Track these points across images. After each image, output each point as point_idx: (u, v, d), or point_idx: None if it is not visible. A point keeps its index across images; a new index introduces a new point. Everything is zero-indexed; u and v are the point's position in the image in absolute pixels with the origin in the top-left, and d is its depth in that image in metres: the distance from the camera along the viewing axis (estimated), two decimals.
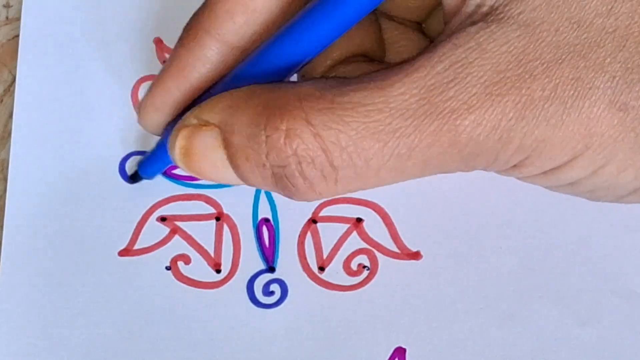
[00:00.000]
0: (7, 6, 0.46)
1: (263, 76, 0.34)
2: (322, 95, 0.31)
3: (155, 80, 0.37)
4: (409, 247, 0.42)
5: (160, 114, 0.38)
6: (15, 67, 0.44)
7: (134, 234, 0.42)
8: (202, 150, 0.34)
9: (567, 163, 0.32)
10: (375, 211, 0.42)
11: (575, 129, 0.31)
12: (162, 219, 0.42)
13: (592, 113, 0.31)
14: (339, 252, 0.42)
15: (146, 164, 0.41)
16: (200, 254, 0.42)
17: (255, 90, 0.33)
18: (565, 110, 0.31)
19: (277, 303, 0.41)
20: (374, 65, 0.37)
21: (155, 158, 0.40)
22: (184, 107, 0.37)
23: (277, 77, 0.34)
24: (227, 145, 0.33)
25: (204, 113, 0.33)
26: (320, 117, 0.31)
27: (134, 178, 0.42)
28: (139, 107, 0.39)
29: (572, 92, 0.31)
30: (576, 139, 0.31)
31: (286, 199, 0.42)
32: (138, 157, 0.43)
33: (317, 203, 0.42)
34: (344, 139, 0.31)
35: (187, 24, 0.36)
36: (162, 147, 0.39)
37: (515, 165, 0.33)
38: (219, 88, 0.35)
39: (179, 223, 0.42)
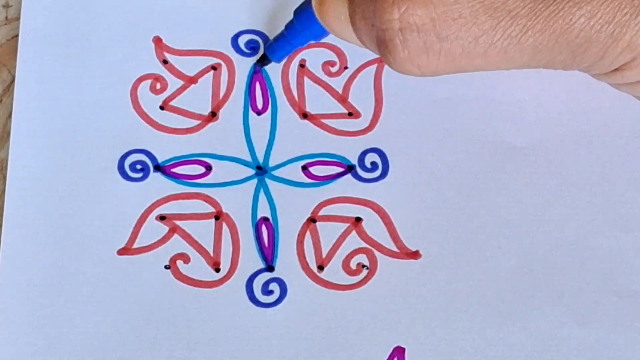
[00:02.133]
0: (6, 6, 0.46)
1: None
2: None
3: None
4: (408, 246, 0.42)
5: None
6: (15, 67, 0.44)
7: (133, 232, 0.42)
8: (331, 2, 0.34)
9: None
10: (374, 210, 0.42)
11: None
12: (161, 218, 0.42)
13: None
14: (338, 252, 0.42)
15: (275, 46, 0.43)
16: (200, 253, 0.42)
17: None
18: None
19: (276, 302, 0.41)
20: None
21: (284, 40, 0.42)
22: None
23: None
24: (350, 0, 0.33)
25: None
26: None
27: (262, 61, 0.44)
28: None
29: None
30: None
31: (284, 198, 0.42)
32: (138, 155, 0.43)
33: (316, 202, 0.42)
34: (457, 10, 0.30)
35: None
36: (291, 29, 0.41)
37: (617, 69, 0.33)
38: None
39: (178, 222, 0.42)
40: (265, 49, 0.43)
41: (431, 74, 0.33)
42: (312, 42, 0.41)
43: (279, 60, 0.43)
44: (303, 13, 0.39)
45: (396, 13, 0.31)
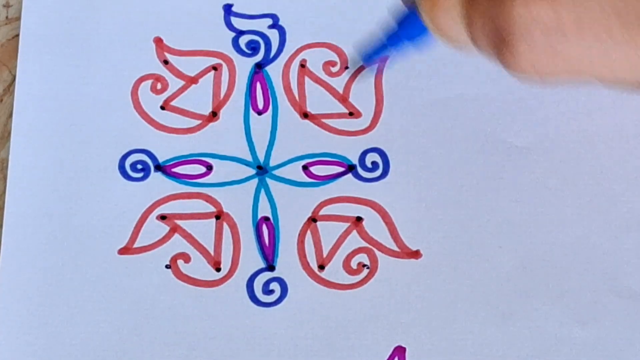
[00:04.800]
0: (7, 6, 0.46)
1: None
2: None
3: None
4: (409, 246, 0.42)
5: None
6: (15, 66, 0.44)
7: (133, 232, 0.42)
8: (443, 2, 0.34)
9: None
10: (375, 210, 0.42)
11: None
12: (162, 218, 0.42)
13: None
14: (339, 251, 0.42)
15: (367, 48, 0.40)
16: (200, 253, 0.42)
17: None
18: None
19: (276, 302, 0.41)
20: None
21: (376, 42, 0.40)
22: None
23: None
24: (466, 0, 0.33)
25: None
26: None
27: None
28: None
29: None
30: None
31: (285, 197, 0.42)
32: (139, 155, 0.43)
33: (316, 202, 0.42)
34: (585, 12, 0.30)
35: None
36: (391, 32, 0.39)
37: None
38: None
39: (178, 221, 0.42)
40: (360, 53, 0.41)
41: (544, 74, 0.32)
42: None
43: (368, 63, 0.41)
44: (406, 15, 0.38)
45: (522, 8, 0.30)
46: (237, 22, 0.45)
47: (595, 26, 0.30)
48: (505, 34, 0.31)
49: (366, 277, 0.41)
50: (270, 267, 0.41)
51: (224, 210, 0.42)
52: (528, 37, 0.31)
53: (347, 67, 0.44)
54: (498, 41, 0.32)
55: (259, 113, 0.44)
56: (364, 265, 0.41)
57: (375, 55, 0.40)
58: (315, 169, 0.43)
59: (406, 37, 0.38)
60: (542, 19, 0.30)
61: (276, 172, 0.43)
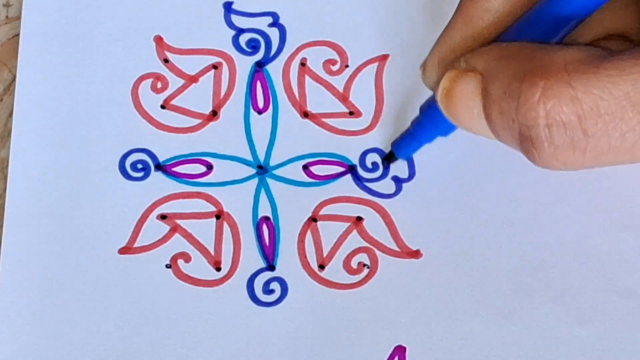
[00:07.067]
0: (7, 5, 0.46)
1: (541, 28, 0.34)
2: (588, 59, 0.30)
3: (442, 34, 0.37)
4: (409, 245, 0.42)
5: (443, 68, 0.37)
6: (16, 66, 0.44)
7: (134, 232, 0.42)
8: (461, 95, 0.34)
9: None
10: (375, 210, 0.42)
11: None
12: (162, 217, 0.42)
13: None
14: (339, 251, 0.42)
15: (401, 143, 0.41)
16: (201, 252, 0.42)
17: (524, 45, 0.32)
18: None
19: (277, 301, 0.41)
20: (633, 45, 0.36)
21: (410, 137, 0.41)
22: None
23: (557, 29, 0.34)
24: (485, 94, 0.32)
25: (473, 59, 0.33)
26: (583, 81, 0.30)
27: (388, 159, 0.42)
28: (423, 64, 0.38)
29: None
30: None
31: (285, 197, 0.42)
32: (139, 154, 0.43)
33: (316, 201, 0.42)
34: (604, 106, 0.30)
35: None
36: (417, 125, 0.40)
37: None
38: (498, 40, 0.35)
39: (179, 221, 0.42)
40: (392, 146, 0.42)
41: (575, 168, 0.32)
42: (439, 137, 0.40)
43: (406, 158, 0.42)
44: (429, 109, 0.38)
45: (542, 110, 0.30)
46: (237, 20, 0.45)
47: (610, 116, 0.30)
48: (528, 135, 0.31)
49: (366, 276, 0.41)
50: (271, 267, 0.41)
51: (224, 209, 0.42)
52: (551, 138, 0.31)
53: (347, 66, 0.44)
54: (523, 140, 0.32)
55: (259, 112, 0.44)
56: (364, 265, 0.41)
57: (410, 150, 0.41)
58: (315, 169, 0.43)
59: (433, 128, 0.39)
60: (562, 119, 0.30)
61: (276, 172, 0.43)
